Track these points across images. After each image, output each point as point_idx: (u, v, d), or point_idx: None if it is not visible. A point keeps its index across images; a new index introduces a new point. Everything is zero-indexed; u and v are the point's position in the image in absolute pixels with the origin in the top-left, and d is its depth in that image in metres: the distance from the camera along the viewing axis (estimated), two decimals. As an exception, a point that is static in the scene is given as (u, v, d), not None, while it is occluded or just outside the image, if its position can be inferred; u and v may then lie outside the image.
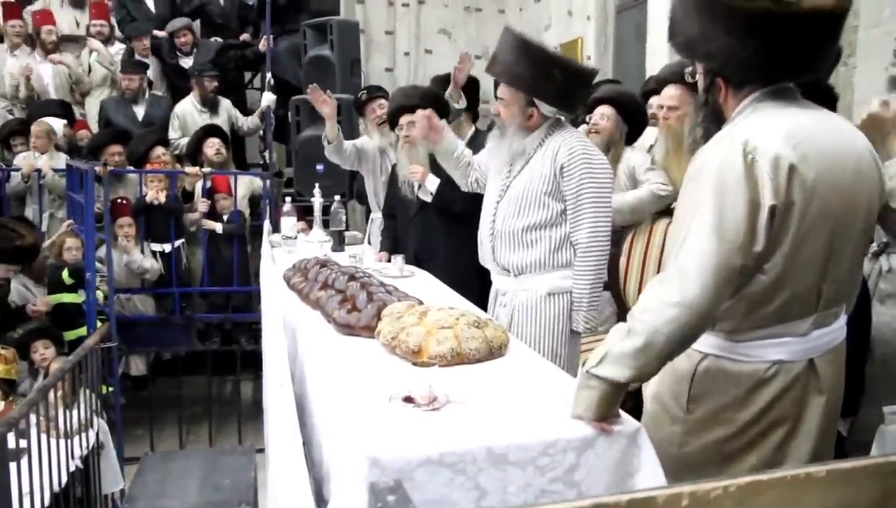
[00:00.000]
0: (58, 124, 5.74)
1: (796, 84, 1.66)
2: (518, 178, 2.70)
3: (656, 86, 3.39)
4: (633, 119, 3.49)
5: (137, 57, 6.37)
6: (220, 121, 6.12)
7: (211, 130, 5.82)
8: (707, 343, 1.68)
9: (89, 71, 6.41)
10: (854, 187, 1.59)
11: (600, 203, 2.62)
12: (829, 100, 2.38)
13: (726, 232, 1.48)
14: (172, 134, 6.08)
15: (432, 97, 3.64)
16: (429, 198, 3.57)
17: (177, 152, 6.03)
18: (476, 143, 3.49)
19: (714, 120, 1.71)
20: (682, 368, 1.71)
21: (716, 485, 0.92)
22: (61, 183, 5.46)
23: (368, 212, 5.05)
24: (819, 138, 1.56)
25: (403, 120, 3.60)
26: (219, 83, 6.18)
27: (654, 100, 3.40)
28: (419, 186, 3.60)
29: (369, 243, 4.36)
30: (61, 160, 5.55)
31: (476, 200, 3.04)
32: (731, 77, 1.64)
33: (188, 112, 6.12)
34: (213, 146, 5.73)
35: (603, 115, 3.46)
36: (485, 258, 2.85)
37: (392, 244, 3.74)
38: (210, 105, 6.12)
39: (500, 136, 2.76)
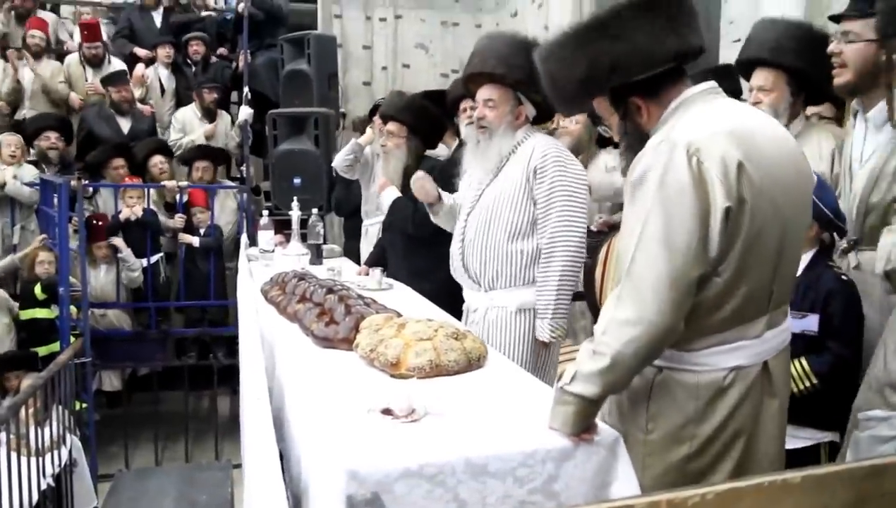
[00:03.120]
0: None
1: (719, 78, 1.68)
2: (491, 186, 2.69)
3: None
4: (602, 121, 3.53)
5: (159, 63, 6.60)
6: (218, 132, 6.30)
7: (203, 152, 6.01)
8: (660, 356, 1.59)
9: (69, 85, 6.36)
10: (797, 183, 1.59)
11: (571, 207, 2.58)
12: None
13: (676, 243, 1.44)
14: (174, 135, 6.26)
15: (419, 108, 3.61)
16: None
17: (179, 152, 6.13)
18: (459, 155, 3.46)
19: (640, 144, 1.63)
20: (637, 386, 1.64)
21: (694, 493, 0.92)
22: (22, 191, 5.38)
23: (346, 224, 5.04)
24: (757, 135, 1.54)
25: (386, 128, 3.59)
26: (219, 97, 6.38)
27: None
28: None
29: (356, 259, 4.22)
30: (28, 172, 5.48)
31: (439, 228, 3.01)
32: (640, 87, 1.62)
33: (188, 119, 6.31)
34: (198, 169, 5.91)
35: (573, 119, 3.50)
36: (456, 270, 2.80)
37: (378, 255, 3.70)
38: (209, 115, 6.30)
39: (486, 141, 2.70)
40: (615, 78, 1.61)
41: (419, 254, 3.29)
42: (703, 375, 1.59)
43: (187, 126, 6.27)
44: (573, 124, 3.49)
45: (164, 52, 6.63)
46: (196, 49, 6.73)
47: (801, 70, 2.59)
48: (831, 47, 2.32)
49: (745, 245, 1.50)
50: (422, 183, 2.94)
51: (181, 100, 6.67)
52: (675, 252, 1.44)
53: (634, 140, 1.67)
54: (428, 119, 3.63)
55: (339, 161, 4.29)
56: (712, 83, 1.65)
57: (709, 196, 1.44)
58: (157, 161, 5.79)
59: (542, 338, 2.61)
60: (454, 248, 2.78)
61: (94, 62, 6.33)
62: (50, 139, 5.68)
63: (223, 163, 6.23)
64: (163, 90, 6.63)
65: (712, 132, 1.50)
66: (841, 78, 2.30)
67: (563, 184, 2.58)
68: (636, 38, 1.56)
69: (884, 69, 2.14)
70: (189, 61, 6.77)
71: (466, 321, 2.79)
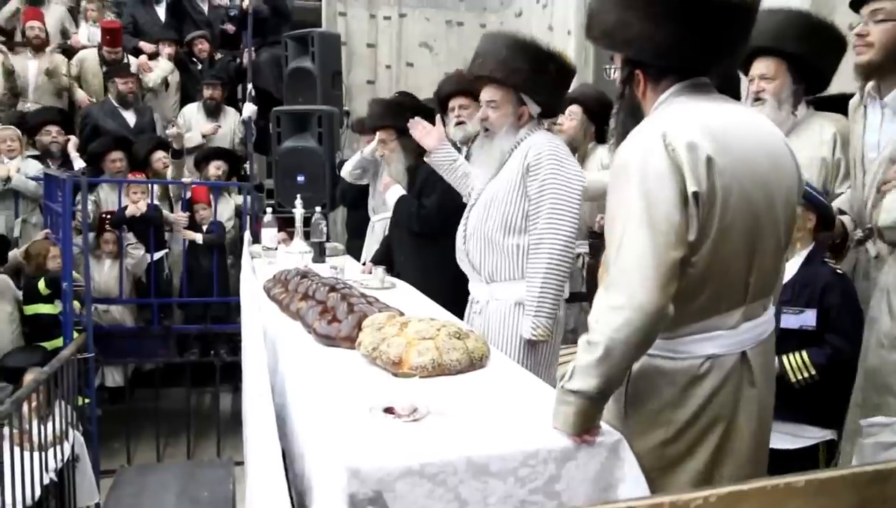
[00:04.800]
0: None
1: (712, 76, 1.69)
2: (492, 182, 2.73)
3: None
4: (601, 118, 3.55)
5: (162, 58, 6.55)
6: (224, 128, 6.33)
7: (219, 152, 6.04)
8: (653, 342, 1.64)
9: (78, 80, 6.37)
10: (771, 179, 1.61)
11: (561, 206, 2.55)
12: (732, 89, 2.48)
13: (658, 226, 1.47)
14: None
15: (395, 107, 3.66)
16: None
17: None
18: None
19: (631, 113, 1.72)
20: None
21: (696, 496, 0.92)
22: (28, 184, 5.40)
23: (349, 222, 5.04)
24: (733, 131, 1.58)
25: (377, 138, 3.63)
26: (224, 92, 6.42)
27: None
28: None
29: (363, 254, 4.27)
30: (31, 166, 5.49)
31: (445, 222, 3.04)
32: (648, 66, 1.68)
33: (193, 115, 6.34)
34: (218, 168, 5.92)
35: (569, 113, 3.51)
36: (461, 261, 2.85)
37: (384, 253, 3.71)
38: (212, 111, 6.32)
39: (488, 141, 2.74)
40: (624, 49, 1.70)
41: (427, 250, 3.31)
42: (680, 362, 1.62)
43: (192, 123, 6.28)
44: (569, 120, 3.49)
45: (168, 50, 6.62)
46: (201, 47, 6.76)
47: (803, 56, 2.59)
48: (858, 29, 2.29)
49: (717, 236, 1.53)
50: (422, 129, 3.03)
51: (189, 98, 6.65)
52: (658, 233, 1.47)
53: (626, 106, 1.75)
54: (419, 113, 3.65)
55: (348, 173, 4.37)
56: (703, 79, 1.67)
57: (685, 181, 1.48)
58: (161, 156, 5.78)
59: (525, 336, 2.59)
60: (458, 240, 2.83)
61: (112, 65, 6.36)
62: (51, 133, 5.70)
63: (237, 166, 6.20)
64: (167, 84, 6.63)
65: (686, 125, 1.54)
66: (864, 56, 2.26)
67: (555, 182, 2.56)
68: (657, 26, 1.60)
69: None
70: (195, 59, 6.78)
71: (469, 312, 2.83)
